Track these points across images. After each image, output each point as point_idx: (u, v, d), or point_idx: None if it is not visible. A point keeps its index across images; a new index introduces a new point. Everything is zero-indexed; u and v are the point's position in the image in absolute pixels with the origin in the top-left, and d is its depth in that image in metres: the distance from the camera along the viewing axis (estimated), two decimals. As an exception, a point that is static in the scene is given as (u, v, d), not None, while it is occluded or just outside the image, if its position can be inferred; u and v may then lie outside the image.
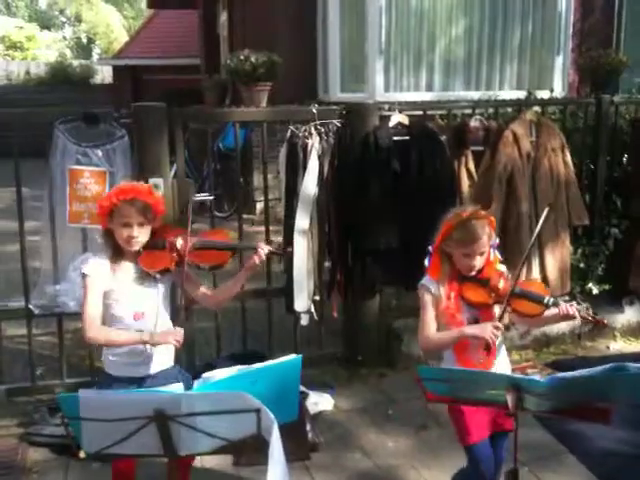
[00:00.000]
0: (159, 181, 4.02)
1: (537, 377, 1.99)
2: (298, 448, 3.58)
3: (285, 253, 2.99)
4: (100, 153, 3.98)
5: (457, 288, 2.63)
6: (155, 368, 2.73)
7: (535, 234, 2.76)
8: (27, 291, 4.16)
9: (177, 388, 1.88)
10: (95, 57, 32.10)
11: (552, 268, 4.60)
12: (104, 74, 20.51)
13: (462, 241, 2.58)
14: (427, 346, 2.65)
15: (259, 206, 8.66)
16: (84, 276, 2.65)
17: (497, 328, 2.48)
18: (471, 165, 4.44)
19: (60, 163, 3.98)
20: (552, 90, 7.62)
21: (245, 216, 4.98)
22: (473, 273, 2.63)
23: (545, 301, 2.40)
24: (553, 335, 4.97)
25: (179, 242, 2.75)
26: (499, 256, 2.73)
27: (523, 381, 2.01)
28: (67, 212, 3.99)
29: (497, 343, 2.58)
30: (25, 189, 4.20)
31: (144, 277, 2.72)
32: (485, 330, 2.48)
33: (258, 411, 1.80)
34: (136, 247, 2.68)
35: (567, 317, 2.45)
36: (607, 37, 8.79)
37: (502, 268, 2.71)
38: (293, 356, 2.02)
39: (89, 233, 3.99)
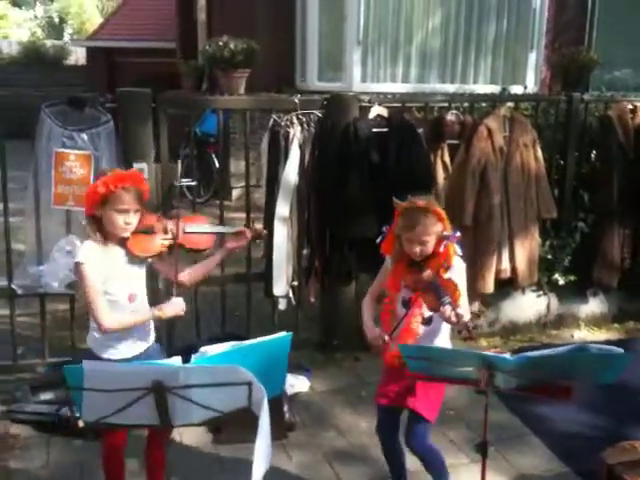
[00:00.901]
0: (143, 166, 4.10)
1: (507, 355, 2.15)
2: (275, 428, 3.64)
3: (260, 235, 3.14)
4: (85, 137, 4.04)
5: (402, 268, 2.85)
6: (141, 348, 2.83)
7: None
8: (10, 271, 4.22)
9: (175, 361, 2.00)
10: (67, 37, 31.58)
11: (521, 259, 4.77)
12: (77, 55, 20.25)
13: (404, 227, 2.79)
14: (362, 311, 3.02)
15: (235, 192, 8.74)
16: (79, 264, 2.68)
17: (383, 339, 2.81)
18: (447, 158, 4.58)
19: (46, 145, 4.03)
20: (525, 87, 7.81)
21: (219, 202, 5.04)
22: (418, 259, 2.80)
23: (442, 299, 2.56)
24: (520, 323, 5.17)
25: (170, 227, 2.85)
26: (458, 250, 2.86)
27: (494, 359, 2.17)
28: (52, 194, 4.05)
29: (419, 329, 2.81)
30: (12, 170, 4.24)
31: (133, 260, 2.80)
32: (375, 338, 2.86)
33: (250, 384, 1.93)
34: (128, 233, 2.76)
35: (445, 319, 2.61)
36: (580, 35, 8.99)
37: (457, 262, 2.84)
38: (283, 333, 2.15)
39: (73, 215, 4.06)
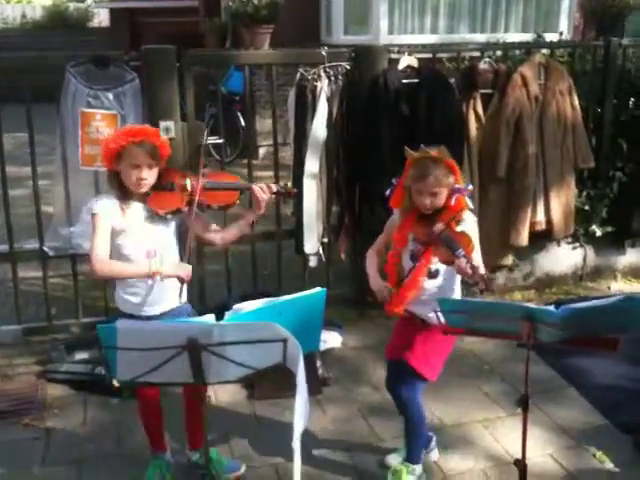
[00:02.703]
0: (170, 124, 4.05)
1: (551, 307, 2.08)
2: (309, 383, 3.70)
3: (290, 194, 3.03)
4: (111, 96, 3.99)
5: (411, 222, 2.77)
6: (164, 307, 2.78)
7: None
8: (41, 234, 4.23)
9: (209, 318, 1.97)
10: (89, 0, 31.33)
11: (557, 210, 4.66)
12: (101, 17, 20.11)
13: (415, 178, 2.70)
14: (366, 261, 2.97)
15: (261, 151, 8.67)
16: (93, 215, 2.69)
17: (388, 292, 2.78)
18: (479, 108, 4.44)
19: (71, 106, 3.99)
20: (561, 33, 7.56)
21: (247, 160, 4.99)
22: (429, 212, 2.71)
23: (456, 252, 2.48)
24: (555, 276, 5.08)
25: (189, 183, 2.79)
26: (469, 204, 2.78)
27: (537, 311, 2.10)
28: (79, 155, 4.03)
29: (426, 284, 2.75)
30: (35, 134, 4.23)
31: (154, 217, 2.76)
32: (379, 290, 2.80)
33: (285, 341, 1.89)
34: (144, 189, 2.71)
35: (460, 272, 2.52)
36: (614, -21, 8.66)
37: (469, 216, 2.76)
38: (318, 289, 2.10)
39: (101, 176, 4.02)
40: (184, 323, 2.02)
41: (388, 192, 2.86)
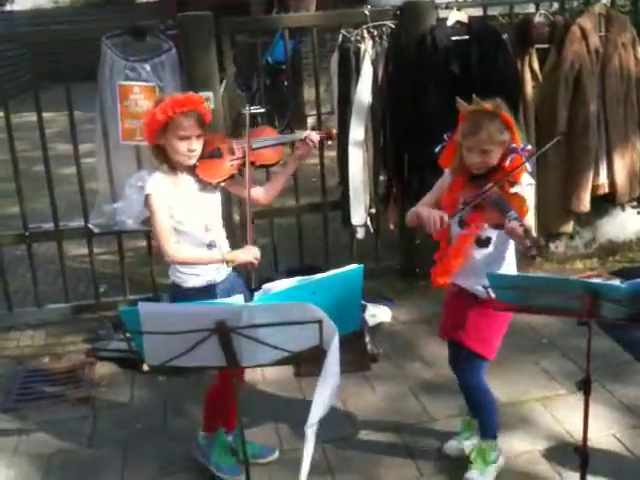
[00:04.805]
0: (209, 94, 3.93)
1: (617, 282, 1.87)
2: (358, 359, 3.60)
3: (330, 136, 3.02)
4: (148, 67, 3.90)
5: (462, 183, 2.55)
6: (223, 274, 2.73)
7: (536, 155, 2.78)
8: (86, 211, 4.21)
9: (238, 300, 1.85)
10: (138, -26, 31.46)
11: (621, 172, 4.38)
12: (149, -8, 20.14)
13: (465, 133, 2.48)
14: (409, 216, 2.64)
15: (310, 120, 8.50)
16: (148, 196, 2.58)
17: (441, 219, 2.41)
18: (535, 65, 4.18)
19: (109, 80, 3.93)
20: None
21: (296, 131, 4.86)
22: (479, 172, 2.49)
23: (508, 214, 2.25)
24: (619, 242, 4.80)
25: (236, 146, 2.71)
26: (528, 167, 2.54)
27: (601, 287, 1.89)
28: (120, 130, 3.96)
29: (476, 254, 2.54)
30: (79, 112, 4.17)
31: (204, 188, 2.68)
32: (430, 215, 2.43)
33: (320, 322, 1.76)
34: (194, 160, 2.61)
35: (512, 235, 2.29)
36: None
37: (527, 179, 2.53)
38: (354, 266, 1.95)
39: (143, 150, 3.95)
40: (211, 305, 1.90)
41: (438, 149, 2.64)
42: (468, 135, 2.47)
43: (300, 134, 2.94)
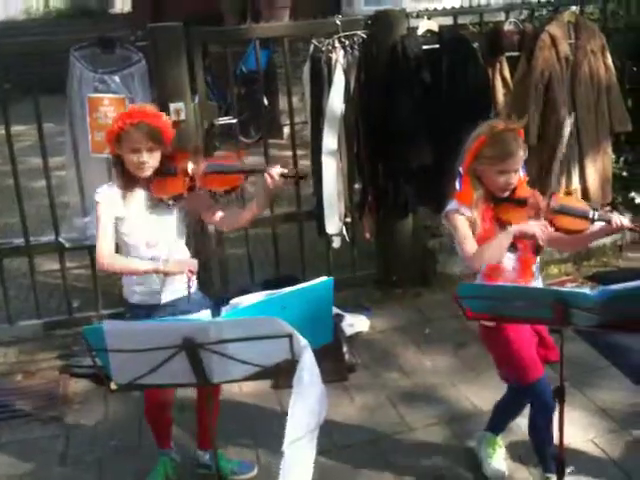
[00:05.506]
0: (180, 105, 3.89)
1: (586, 290, 1.86)
2: (336, 369, 3.57)
3: (299, 177, 2.71)
4: (118, 79, 3.85)
5: (492, 211, 2.44)
6: (173, 295, 2.67)
7: (564, 143, 2.61)
8: (57, 225, 4.14)
9: (204, 315, 1.81)
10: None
11: (593, 177, 4.41)
12: (123, 4, 20.05)
13: (497, 157, 2.38)
14: (477, 261, 2.36)
15: (286, 130, 8.48)
16: (96, 204, 2.63)
17: (545, 226, 2.32)
18: (506, 72, 4.21)
19: (78, 92, 3.87)
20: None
21: (272, 141, 4.83)
22: (507, 193, 2.43)
23: (590, 215, 2.22)
24: (594, 247, 4.80)
25: (190, 166, 2.64)
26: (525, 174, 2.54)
27: (571, 295, 1.88)
28: (90, 142, 3.91)
29: (534, 268, 2.46)
30: (50, 124, 4.11)
31: (157, 204, 2.65)
32: (532, 226, 2.31)
33: (290, 336, 1.73)
34: (147, 173, 2.59)
35: (614, 231, 2.28)
36: None
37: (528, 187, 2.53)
38: (324, 278, 1.93)
39: (113, 163, 3.91)
40: (177, 321, 1.86)
41: (458, 186, 2.45)
42: (504, 158, 2.38)
43: (262, 166, 2.77)
